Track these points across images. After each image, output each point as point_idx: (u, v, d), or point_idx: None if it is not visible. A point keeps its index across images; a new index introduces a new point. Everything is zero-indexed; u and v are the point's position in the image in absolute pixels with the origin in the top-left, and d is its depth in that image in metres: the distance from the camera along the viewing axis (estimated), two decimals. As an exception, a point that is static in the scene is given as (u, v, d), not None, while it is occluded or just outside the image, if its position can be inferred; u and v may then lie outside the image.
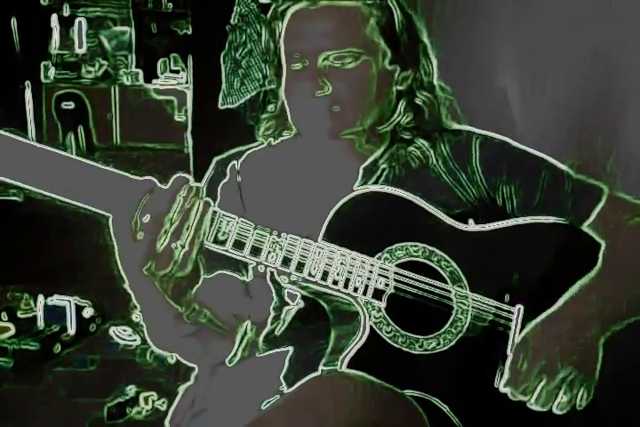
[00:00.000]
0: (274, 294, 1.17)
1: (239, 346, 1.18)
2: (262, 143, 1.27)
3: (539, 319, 1.07)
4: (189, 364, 1.19)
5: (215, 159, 1.27)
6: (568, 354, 1.03)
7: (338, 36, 1.14)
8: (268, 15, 1.21)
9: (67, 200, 0.92)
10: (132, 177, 0.94)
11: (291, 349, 1.14)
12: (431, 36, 1.23)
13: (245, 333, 1.18)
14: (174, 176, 0.96)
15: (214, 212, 0.98)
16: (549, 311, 1.07)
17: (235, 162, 1.25)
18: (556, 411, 1.03)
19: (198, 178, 1.28)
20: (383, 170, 1.19)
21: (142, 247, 0.94)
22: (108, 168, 0.93)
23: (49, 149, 0.92)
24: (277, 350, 1.16)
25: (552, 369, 1.02)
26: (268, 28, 1.21)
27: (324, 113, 1.14)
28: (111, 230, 0.93)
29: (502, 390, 1.04)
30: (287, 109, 1.20)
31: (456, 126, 1.24)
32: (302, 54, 1.15)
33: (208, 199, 0.98)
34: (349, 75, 1.14)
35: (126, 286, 0.96)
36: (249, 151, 1.27)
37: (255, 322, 1.18)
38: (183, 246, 0.95)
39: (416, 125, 1.21)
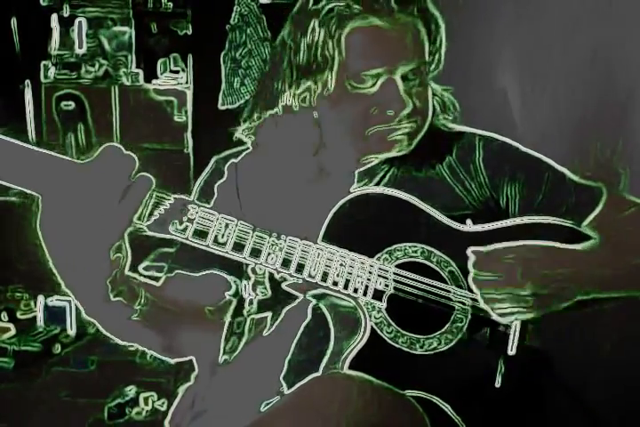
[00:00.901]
0: (269, 294, 1.17)
1: (226, 344, 1.18)
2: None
3: (543, 243, 1.08)
4: (179, 359, 1.18)
5: (214, 158, 1.27)
6: (543, 283, 1.05)
7: (413, 53, 1.12)
8: (324, 16, 1.10)
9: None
10: (73, 160, 0.92)
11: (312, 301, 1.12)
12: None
13: (243, 333, 1.19)
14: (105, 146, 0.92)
15: (154, 192, 0.94)
16: (554, 244, 1.09)
17: (234, 160, 1.25)
18: (493, 314, 1.06)
19: (198, 178, 1.28)
20: (384, 173, 1.19)
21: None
22: (46, 151, 0.91)
23: None
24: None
25: (519, 282, 1.04)
26: (327, 33, 1.10)
27: (385, 133, 1.13)
28: (40, 210, 0.89)
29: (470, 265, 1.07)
30: (329, 127, 1.15)
31: (458, 128, 1.24)
32: (383, 66, 1.10)
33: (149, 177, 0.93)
34: (421, 92, 1.14)
35: (51, 264, 0.94)
36: (247, 151, 1.27)
37: (244, 320, 1.19)
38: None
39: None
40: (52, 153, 0.92)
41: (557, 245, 1.09)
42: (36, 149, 0.91)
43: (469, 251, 1.07)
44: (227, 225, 0.98)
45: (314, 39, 1.10)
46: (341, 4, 1.09)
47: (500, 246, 1.07)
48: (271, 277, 1.14)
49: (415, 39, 1.12)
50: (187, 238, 0.96)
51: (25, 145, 0.91)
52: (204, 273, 1.17)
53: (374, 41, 1.10)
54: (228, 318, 1.20)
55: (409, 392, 1.04)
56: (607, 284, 1.10)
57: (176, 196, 0.95)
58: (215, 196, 1.22)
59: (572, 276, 1.07)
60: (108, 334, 1.06)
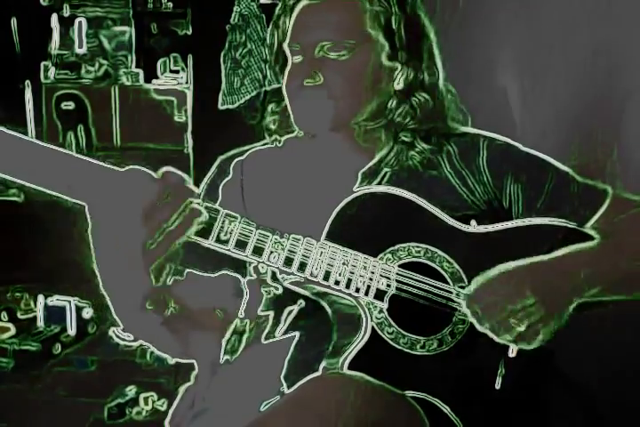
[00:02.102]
0: (272, 293, 1.17)
1: (227, 343, 1.18)
2: (265, 143, 1.27)
3: (528, 261, 1.08)
4: (180, 360, 1.18)
5: (220, 158, 1.27)
6: (541, 292, 1.05)
7: (335, 28, 1.14)
8: (277, 10, 1.21)
9: (46, 190, 0.91)
10: (114, 168, 0.91)
11: (297, 334, 1.13)
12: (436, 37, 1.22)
13: (244, 331, 1.19)
14: (164, 170, 0.90)
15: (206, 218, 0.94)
16: (540, 258, 1.09)
17: (240, 158, 1.26)
18: (509, 343, 1.06)
19: (198, 178, 1.28)
20: (386, 173, 1.19)
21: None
22: (88, 158, 0.92)
23: (24, 138, 0.91)
24: (283, 337, 1.15)
25: (518, 294, 1.04)
26: (275, 22, 1.21)
27: (314, 103, 1.15)
28: (88, 218, 0.89)
29: (463, 309, 1.07)
30: (287, 103, 1.21)
31: (462, 129, 1.24)
32: (302, 46, 1.15)
33: (198, 205, 0.92)
34: (343, 66, 1.14)
35: (95, 268, 0.93)
36: (252, 150, 1.27)
37: (246, 320, 1.19)
38: (153, 244, 0.89)
39: (415, 127, 1.20)
40: (97, 161, 0.92)
41: (538, 258, 1.10)
42: (81, 156, 0.91)
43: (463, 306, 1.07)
44: (230, 223, 0.98)
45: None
46: None
47: (481, 280, 1.07)
48: (274, 276, 1.14)
49: (349, 18, 1.15)
50: (189, 236, 0.96)
51: (71, 153, 0.91)
52: (217, 274, 1.17)
53: (300, 16, 1.17)
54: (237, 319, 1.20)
55: (409, 393, 1.04)
56: (607, 285, 1.10)
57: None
58: (220, 197, 1.22)
59: (565, 278, 1.07)
60: (115, 337, 1.06)
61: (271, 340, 1.16)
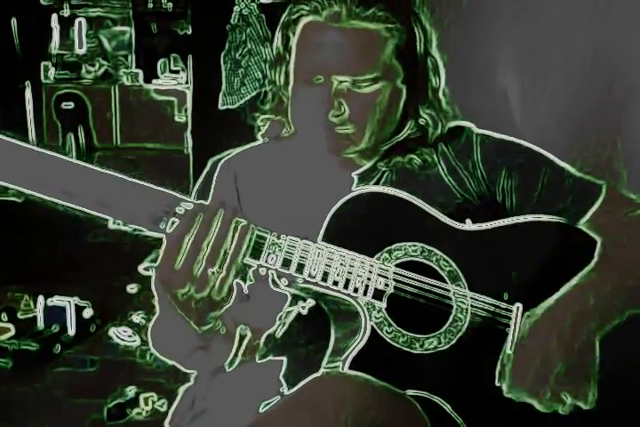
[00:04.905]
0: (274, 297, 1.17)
1: (237, 350, 1.18)
2: (259, 142, 1.27)
3: (534, 318, 1.07)
4: (188, 370, 1.19)
5: (211, 160, 1.27)
6: (564, 352, 1.03)
7: (357, 62, 1.11)
8: (281, 21, 1.18)
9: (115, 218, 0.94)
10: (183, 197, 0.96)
11: (284, 359, 1.13)
12: (440, 48, 1.21)
13: (245, 337, 1.18)
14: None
15: (255, 234, 0.99)
16: (546, 307, 1.07)
17: (228, 158, 1.25)
18: (560, 411, 1.04)
19: (198, 178, 1.28)
20: (383, 173, 1.19)
21: (181, 271, 0.96)
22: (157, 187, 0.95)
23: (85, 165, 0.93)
24: (274, 358, 1.15)
25: (548, 367, 1.03)
26: (280, 33, 1.18)
27: (331, 132, 1.13)
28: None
29: (506, 394, 1.05)
30: (291, 118, 1.19)
31: (455, 123, 1.23)
32: (320, 70, 1.12)
33: (247, 222, 0.98)
34: (364, 98, 1.12)
35: (155, 301, 0.97)
36: (244, 149, 1.27)
37: (255, 327, 1.18)
38: (220, 272, 0.97)
39: (421, 137, 1.20)
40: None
41: (564, 291, 1.08)
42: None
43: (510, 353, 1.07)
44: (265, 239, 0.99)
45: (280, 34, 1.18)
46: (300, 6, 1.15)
47: (532, 345, 1.06)
48: (274, 278, 1.14)
49: (371, 51, 1.12)
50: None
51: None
52: None
53: (321, 37, 1.13)
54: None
55: (409, 392, 1.04)
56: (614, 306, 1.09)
57: (171, 193, 0.96)
58: (212, 191, 1.21)
59: (582, 316, 1.06)
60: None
61: (264, 360, 1.16)
